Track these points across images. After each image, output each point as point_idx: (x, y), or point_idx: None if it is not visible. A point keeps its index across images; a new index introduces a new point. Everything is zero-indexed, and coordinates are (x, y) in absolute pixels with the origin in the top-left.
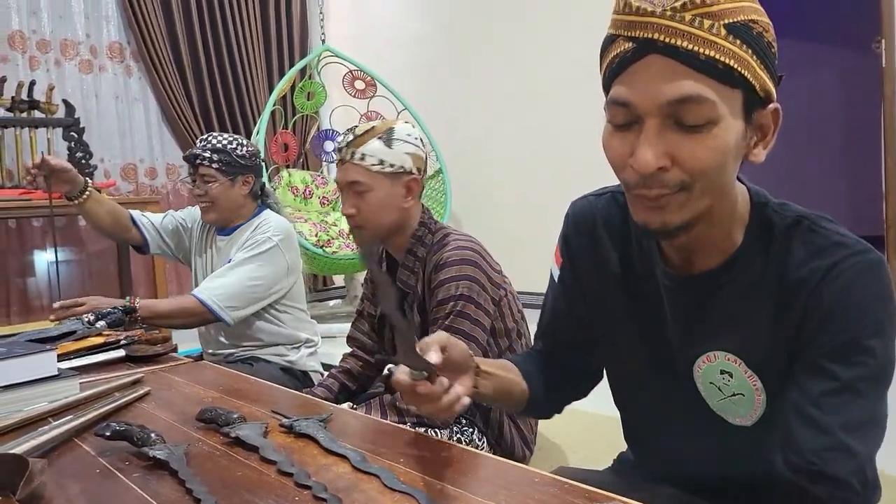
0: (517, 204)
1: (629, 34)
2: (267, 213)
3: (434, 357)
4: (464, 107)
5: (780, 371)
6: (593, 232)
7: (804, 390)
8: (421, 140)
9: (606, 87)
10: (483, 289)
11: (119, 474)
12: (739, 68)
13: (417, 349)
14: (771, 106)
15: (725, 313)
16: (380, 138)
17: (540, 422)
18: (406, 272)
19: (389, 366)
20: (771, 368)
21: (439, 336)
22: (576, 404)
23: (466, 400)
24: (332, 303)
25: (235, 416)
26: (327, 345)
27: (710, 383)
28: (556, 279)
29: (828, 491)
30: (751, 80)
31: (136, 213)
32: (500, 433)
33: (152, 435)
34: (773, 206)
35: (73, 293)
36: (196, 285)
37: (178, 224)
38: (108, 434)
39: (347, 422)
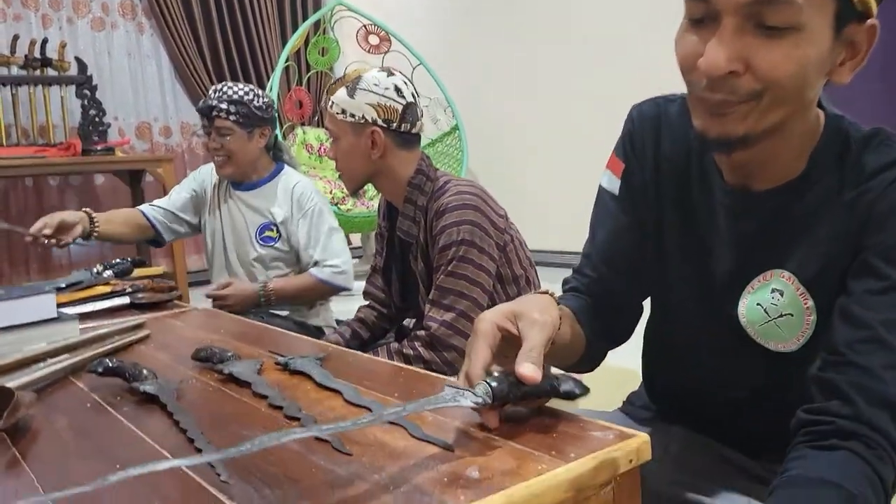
0: (534, 161)
1: None
2: (290, 171)
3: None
4: (479, 62)
5: (834, 288)
6: (658, 135)
7: (849, 290)
8: (397, 89)
9: None
10: (486, 233)
11: (109, 408)
12: None
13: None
14: (868, 22)
15: (787, 233)
16: (346, 87)
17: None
18: (407, 221)
19: (406, 319)
20: (824, 285)
21: (541, 339)
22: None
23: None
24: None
25: (230, 353)
26: (343, 302)
27: (757, 305)
28: (612, 192)
29: (855, 381)
30: None
31: (145, 208)
32: None
33: (144, 371)
34: (847, 119)
35: (91, 252)
36: (208, 245)
37: (189, 195)
38: (100, 370)
39: (345, 360)
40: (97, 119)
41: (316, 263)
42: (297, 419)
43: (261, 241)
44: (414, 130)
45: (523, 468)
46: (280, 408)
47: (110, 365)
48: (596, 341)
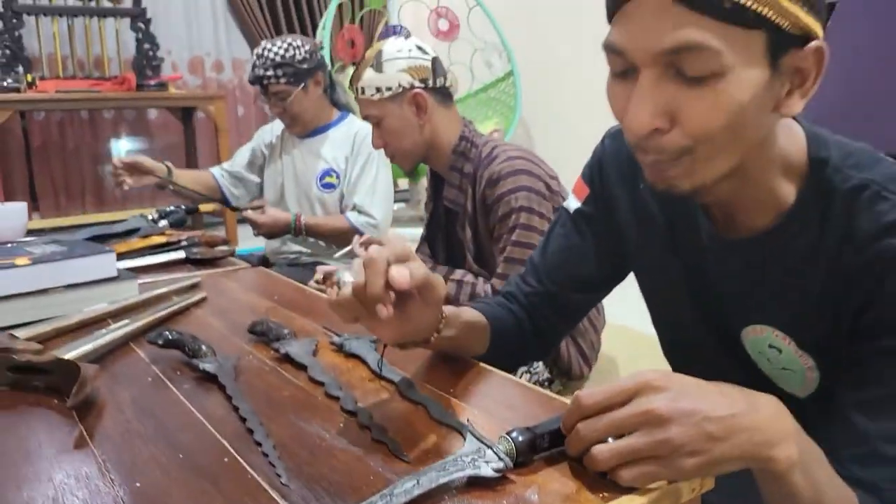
0: (594, 111)
1: None
2: (353, 118)
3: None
4: (539, 3)
5: (837, 351)
6: (636, 167)
7: (856, 385)
8: (419, 48)
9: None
10: (542, 197)
11: (169, 384)
12: (755, 6)
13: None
14: (812, 45)
15: (774, 284)
16: (371, 66)
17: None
18: (453, 190)
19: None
20: (826, 350)
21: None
22: (635, 324)
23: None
24: (395, 206)
25: (286, 331)
26: None
27: (759, 353)
28: (570, 212)
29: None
30: (774, 18)
31: (214, 170)
32: (558, 352)
33: (203, 347)
34: (833, 163)
35: (143, 192)
36: (268, 193)
37: (250, 156)
38: (160, 342)
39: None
40: (151, 53)
41: (354, 207)
42: (354, 414)
43: (321, 187)
44: (447, 84)
45: (582, 496)
46: (337, 398)
47: (170, 337)
48: (540, 335)
